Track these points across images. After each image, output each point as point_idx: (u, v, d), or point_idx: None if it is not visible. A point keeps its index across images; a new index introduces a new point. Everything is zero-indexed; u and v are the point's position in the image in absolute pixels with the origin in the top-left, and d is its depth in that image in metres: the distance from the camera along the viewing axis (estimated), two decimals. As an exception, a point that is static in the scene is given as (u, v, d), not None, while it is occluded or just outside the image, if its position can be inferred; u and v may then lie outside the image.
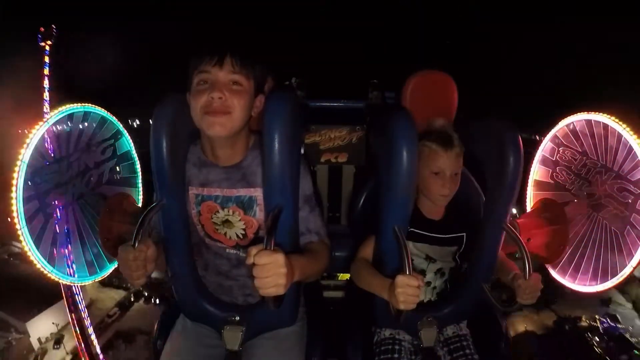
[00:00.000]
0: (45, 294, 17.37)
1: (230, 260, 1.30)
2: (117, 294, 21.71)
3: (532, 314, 20.01)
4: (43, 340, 18.48)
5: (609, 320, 19.39)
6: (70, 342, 17.22)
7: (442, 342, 1.44)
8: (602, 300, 20.29)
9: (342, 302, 1.88)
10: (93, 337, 13.91)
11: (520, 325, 19.33)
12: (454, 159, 1.33)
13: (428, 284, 1.42)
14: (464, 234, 1.41)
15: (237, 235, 1.26)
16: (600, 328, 19.03)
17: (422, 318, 1.38)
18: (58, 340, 18.47)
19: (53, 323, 18.75)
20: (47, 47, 11.04)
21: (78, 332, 13.80)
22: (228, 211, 1.24)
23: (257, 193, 1.22)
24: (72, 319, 13.60)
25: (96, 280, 1.65)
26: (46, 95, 10.64)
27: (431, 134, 1.36)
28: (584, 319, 19.68)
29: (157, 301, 20.22)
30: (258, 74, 1.19)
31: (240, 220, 1.24)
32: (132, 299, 21.48)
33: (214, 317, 1.31)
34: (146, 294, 21.08)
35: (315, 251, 1.23)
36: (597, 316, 19.68)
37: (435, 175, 1.33)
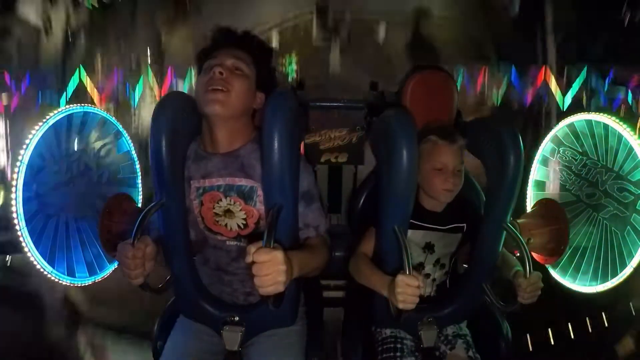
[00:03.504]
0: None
1: (230, 252, 1.30)
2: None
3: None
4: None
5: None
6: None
7: (442, 341, 1.44)
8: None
9: (342, 302, 1.88)
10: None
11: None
12: (457, 153, 1.33)
13: (427, 276, 1.42)
14: (464, 224, 1.42)
15: (239, 226, 1.27)
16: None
17: (422, 319, 1.38)
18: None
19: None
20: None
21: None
22: (230, 200, 1.24)
23: (258, 184, 1.23)
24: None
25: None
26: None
27: (432, 129, 1.36)
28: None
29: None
30: (262, 69, 1.25)
31: (241, 210, 1.25)
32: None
33: (213, 317, 1.31)
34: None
35: (313, 246, 1.23)
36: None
37: (437, 171, 1.33)
